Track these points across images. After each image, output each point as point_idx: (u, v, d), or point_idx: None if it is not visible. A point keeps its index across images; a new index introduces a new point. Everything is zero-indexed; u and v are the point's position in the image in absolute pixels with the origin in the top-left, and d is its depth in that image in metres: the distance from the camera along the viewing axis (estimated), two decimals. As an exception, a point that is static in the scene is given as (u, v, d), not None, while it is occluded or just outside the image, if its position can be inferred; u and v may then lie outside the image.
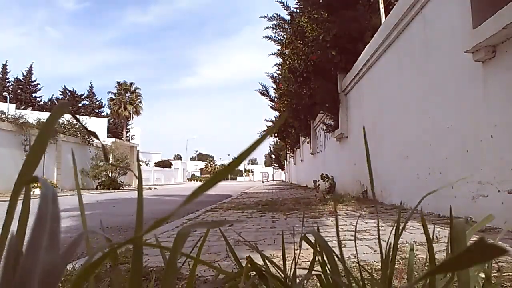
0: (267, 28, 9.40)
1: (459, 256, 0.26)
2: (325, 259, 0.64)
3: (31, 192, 0.44)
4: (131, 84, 47.64)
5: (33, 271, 0.26)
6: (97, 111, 49.80)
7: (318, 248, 0.67)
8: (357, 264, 0.75)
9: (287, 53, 9.14)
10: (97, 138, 0.53)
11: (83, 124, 0.53)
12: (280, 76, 12.48)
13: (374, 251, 1.87)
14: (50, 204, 0.30)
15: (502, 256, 1.37)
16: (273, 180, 51.37)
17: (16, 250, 0.32)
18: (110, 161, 18.04)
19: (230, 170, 0.36)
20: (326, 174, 8.51)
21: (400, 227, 0.62)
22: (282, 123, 15.68)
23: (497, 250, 0.25)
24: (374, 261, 1.61)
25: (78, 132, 17.75)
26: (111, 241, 0.51)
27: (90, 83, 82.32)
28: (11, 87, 44.05)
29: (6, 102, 30.24)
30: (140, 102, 47.90)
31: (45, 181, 0.33)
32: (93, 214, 5.38)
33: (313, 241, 0.69)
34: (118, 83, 47.13)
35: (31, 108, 37.26)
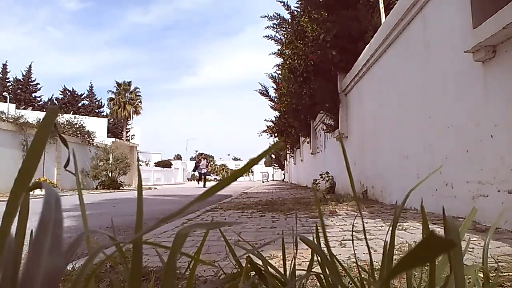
0: (267, 27, 9.40)
1: (414, 252, 0.26)
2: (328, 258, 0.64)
3: (31, 193, 0.44)
4: (129, 83, 47.66)
5: (36, 274, 0.26)
6: (97, 111, 49.86)
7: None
8: (356, 264, 0.75)
9: (287, 53, 9.14)
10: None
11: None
12: (280, 76, 12.48)
13: (374, 251, 1.88)
14: (53, 209, 0.30)
15: (502, 256, 1.36)
16: (273, 180, 51.36)
17: (14, 252, 0.32)
18: (110, 161, 18.09)
19: (240, 175, 0.39)
20: (326, 172, 8.50)
21: (400, 227, 0.62)
22: (282, 123, 15.70)
23: (447, 243, 0.25)
24: (374, 261, 1.61)
25: (78, 132, 17.74)
26: (115, 240, 0.51)
27: (90, 83, 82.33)
28: (11, 87, 44.07)
29: (6, 102, 30.24)
30: (140, 102, 47.97)
31: (48, 186, 0.33)
32: (93, 214, 5.38)
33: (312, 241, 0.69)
34: (118, 83, 47.18)
35: (31, 108, 37.28)
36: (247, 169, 0.37)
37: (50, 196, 0.31)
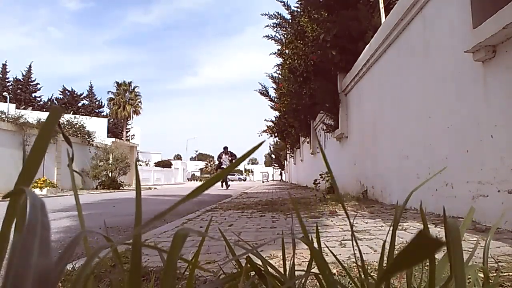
0: (267, 26, 9.39)
1: (404, 253, 0.26)
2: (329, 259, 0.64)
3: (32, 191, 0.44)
4: (129, 83, 47.68)
5: (26, 276, 0.26)
6: (97, 111, 49.86)
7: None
8: (356, 264, 0.75)
9: (287, 53, 9.13)
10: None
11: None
12: (280, 76, 12.48)
13: (374, 251, 1.88)
14: (39, 213, 0.30)
15: (502, 256, 1.36)
16: (273, 180, 51.37)
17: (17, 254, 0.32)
18: (110, 161, 18.08)
19: (229, 172, 0.40)
20: (326, 172, 8.50)
21: (400, 227, 0.62)
22: (282, 123, 15.71)
23: (436, 242, 0.25)
24: (374, 261, 1.61)
25: (78, 132, 17.74)
26: (111, 241, 0.51)
27: (90, 83, 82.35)
28: (11, 87, 44.07)
29: (6, 102, 30.23)
30: (140, 102, 48.00)
31: (32, 192, 0.34)
32: (93, 214, 5.38)
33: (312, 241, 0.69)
34: (118, 83, 47.19)
35: (31, 108, 37.25)
36: (235, 166, 0.38)
37: (35, 201, 0.31)
